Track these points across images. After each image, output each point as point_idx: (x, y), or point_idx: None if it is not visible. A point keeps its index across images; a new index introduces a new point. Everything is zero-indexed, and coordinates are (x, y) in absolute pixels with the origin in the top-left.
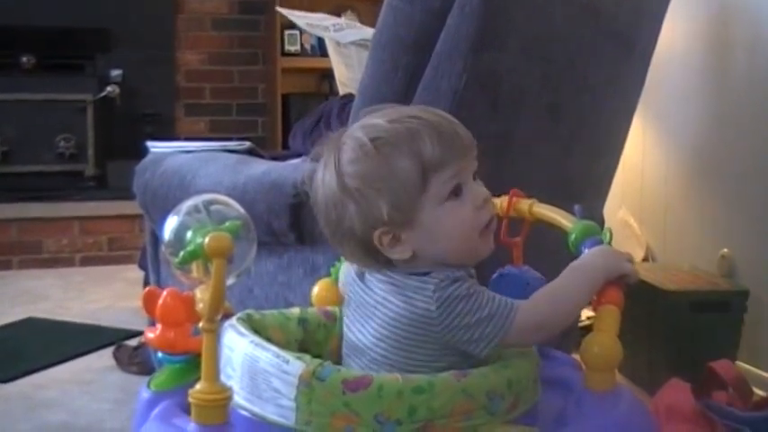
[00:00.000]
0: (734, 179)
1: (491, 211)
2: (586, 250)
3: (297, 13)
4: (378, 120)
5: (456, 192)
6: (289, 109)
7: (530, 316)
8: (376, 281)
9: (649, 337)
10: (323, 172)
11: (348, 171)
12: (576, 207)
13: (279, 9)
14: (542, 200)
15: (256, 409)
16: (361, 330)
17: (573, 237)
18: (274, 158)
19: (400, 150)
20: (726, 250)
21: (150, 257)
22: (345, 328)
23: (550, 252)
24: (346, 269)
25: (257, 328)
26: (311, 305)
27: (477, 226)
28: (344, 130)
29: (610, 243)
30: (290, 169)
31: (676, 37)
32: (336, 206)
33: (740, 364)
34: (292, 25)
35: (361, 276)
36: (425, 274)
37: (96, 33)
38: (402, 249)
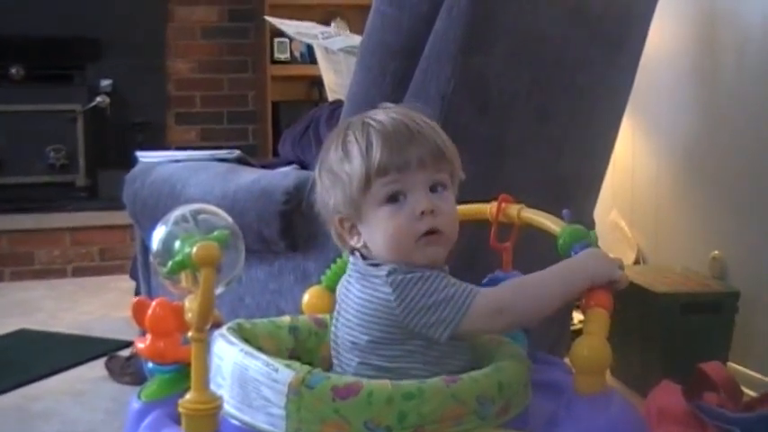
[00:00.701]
0: (724, 180)
1: (429, 223)
2: (575, 254)
3: (285, 21)
4: (365, 115)
5: (394, 198)
6: (279, 116)
7: (489, 300)
8: (352, 272)
9: (641, 339)
10: None
11: (323, 156)
12: (565, 211)
13: (267, 18)
14: (533, 203)
15: (246, 418)
16: (341, 321)
17: (561, 241)
18: (264, 166)
19: (358, 149)
20: (717, 252)
21: (141, 267)
22: (333, 327)
23: (540, 257)
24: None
25: (248, 338)
26: (302, 313)
27: (411, 234)
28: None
29: (595, 246)
30: (280, 177)
31: (665, 38)
32: (315, 183)
33: (731, 365)
34: (282, 33)
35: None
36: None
37: (86, 43)
38: (358, 238)
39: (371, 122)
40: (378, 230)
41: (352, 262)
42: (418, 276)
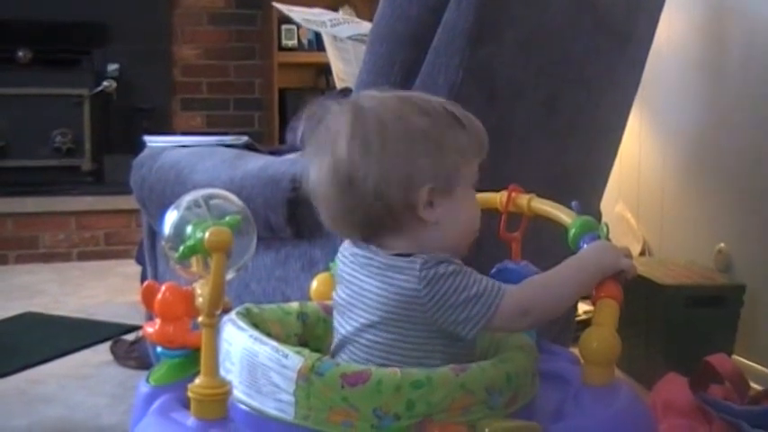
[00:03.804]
0: (731, 173)
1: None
2: (585, 245)
3: (293, 8)
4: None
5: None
6: (286, 104)
7: (516, 300)
8: (360, 268)
9: (646, 331)
10: (355, 131)
11: (415, 119)
12: (574, 203)
13: (275, 4)
14: (540, 194)
15: (255, 404)
16: (348, 322)
17: (572, 232)
18: (272, 153)
19: (468, 122)
20: (722, 245)
21: (147, 252)
22: (336, 323)
23: (549, 247)
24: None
25: (256, 323)
26: (310, 300)
27: (477, 224)
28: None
29: (607, 238)
30: (288, 164)
31: (673, 31)
32: (393, 136)
33: (736, 358)
34: (289, 20)
35: (348, 271)
36: (409, 255)
37: (93, 28)
38: (432, 213)
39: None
40: (464, 210)
41: (368, 255)
42: (450, 271)
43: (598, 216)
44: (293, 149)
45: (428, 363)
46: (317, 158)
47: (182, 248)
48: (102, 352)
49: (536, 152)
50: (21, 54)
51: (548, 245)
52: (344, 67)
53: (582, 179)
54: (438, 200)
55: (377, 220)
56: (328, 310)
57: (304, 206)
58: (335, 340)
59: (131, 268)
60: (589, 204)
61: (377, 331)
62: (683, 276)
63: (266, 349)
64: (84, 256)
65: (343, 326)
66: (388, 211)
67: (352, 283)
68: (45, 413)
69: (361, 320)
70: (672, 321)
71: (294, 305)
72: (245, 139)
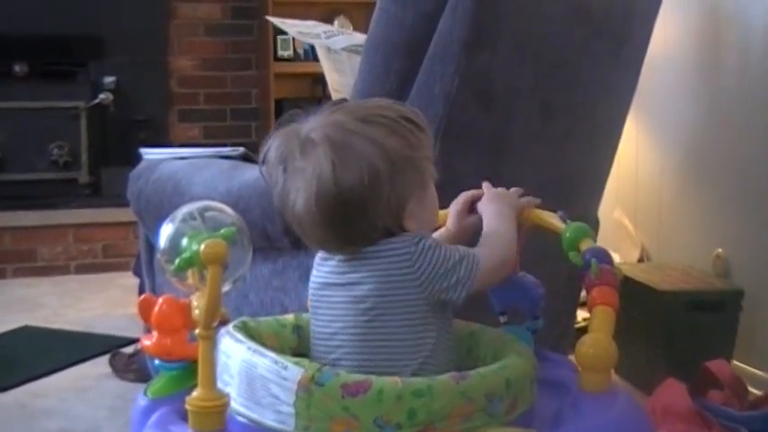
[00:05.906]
0: (728, 179)
1: None
2: (589, 256)
3: (287, 21)
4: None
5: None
6: (282, 114)
7: (488, 259)
8: (342, 264)
9: (645, 337)
10: (341, 160)
11: (390, 144)
12: (560, 212)
13: (269, 18)
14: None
15: (255, 416)
16: (332, 321)
17: (567, 236)
18: None
19: (419, 126)
20: (720, 250)
21: (145, 264)
22: (315, 328)
23: (548, 258)
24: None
25: (252, 336)
26: (307, 310)
27: (437, 217)
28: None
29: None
30: None
31: (669, 36)
32: (385, 176)
33: (736, 363)
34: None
35: (326, 275)
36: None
37: (89, 40)
38: (411, 222)
39: (406, 108)
40: (431, 207)
41: (351, 260)
42: (431, 244)
43: (595, 222)
44: None
45: (425, 337)
46: (299, 191)
47: (177, 261)
48: (102, 365)
49: (533, 157)
50: (17, 68)
51: (548, 254)
52: (339, 78)
53: (579, 184)
54: (416, 208)
55: (368, 237)
56: None
57: None
58: (316, 345)
59: (130, 280)
60: (587, 210)
61: (370, 317)
62: (682, 282)
63: (265, 361)
64: (82, 269)
65: (333, 323)
66: (381, 232)
67: (324, 298)
68: (45, 426)
69: (352, 311)
70: (671, 327)
71: (290, 317)
72: (241, 150)
